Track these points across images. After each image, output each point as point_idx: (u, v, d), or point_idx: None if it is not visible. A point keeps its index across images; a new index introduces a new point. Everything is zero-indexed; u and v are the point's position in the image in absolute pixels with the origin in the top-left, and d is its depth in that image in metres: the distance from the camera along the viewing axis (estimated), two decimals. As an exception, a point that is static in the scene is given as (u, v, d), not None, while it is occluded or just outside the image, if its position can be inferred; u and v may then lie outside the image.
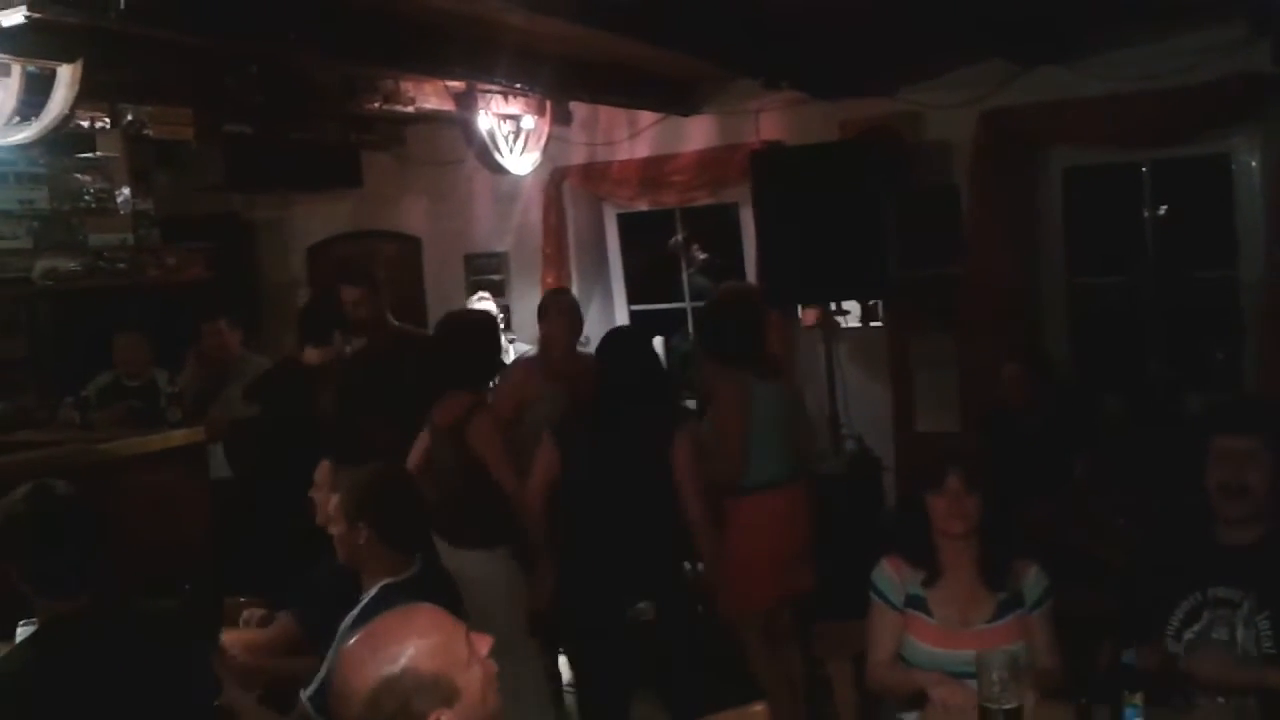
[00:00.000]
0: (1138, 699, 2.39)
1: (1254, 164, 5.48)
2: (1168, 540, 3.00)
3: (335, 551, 3.10)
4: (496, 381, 4.83)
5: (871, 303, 6.07)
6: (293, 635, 3.31)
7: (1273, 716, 2.58)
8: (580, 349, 5.06)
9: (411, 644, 1.79)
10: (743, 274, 6.67)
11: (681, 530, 3.95)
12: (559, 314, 4.92)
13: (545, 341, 4.95)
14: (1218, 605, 2.74)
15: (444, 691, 1.78)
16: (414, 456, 4.20)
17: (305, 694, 2.79)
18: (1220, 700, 2.56)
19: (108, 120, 5.39)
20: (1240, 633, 2.71)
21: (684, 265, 7.19)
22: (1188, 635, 2.76)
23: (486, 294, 6.73)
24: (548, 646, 4.57)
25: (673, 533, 3.95)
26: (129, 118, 5.43)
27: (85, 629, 2.46)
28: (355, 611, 2.82)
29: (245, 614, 3.63)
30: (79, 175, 6.53)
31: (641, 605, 3.86)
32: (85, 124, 5.32)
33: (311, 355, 5.23)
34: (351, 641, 1.84)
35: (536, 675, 4.23)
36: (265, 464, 5.17)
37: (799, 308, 6.18)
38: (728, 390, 4.37)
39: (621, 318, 7.29)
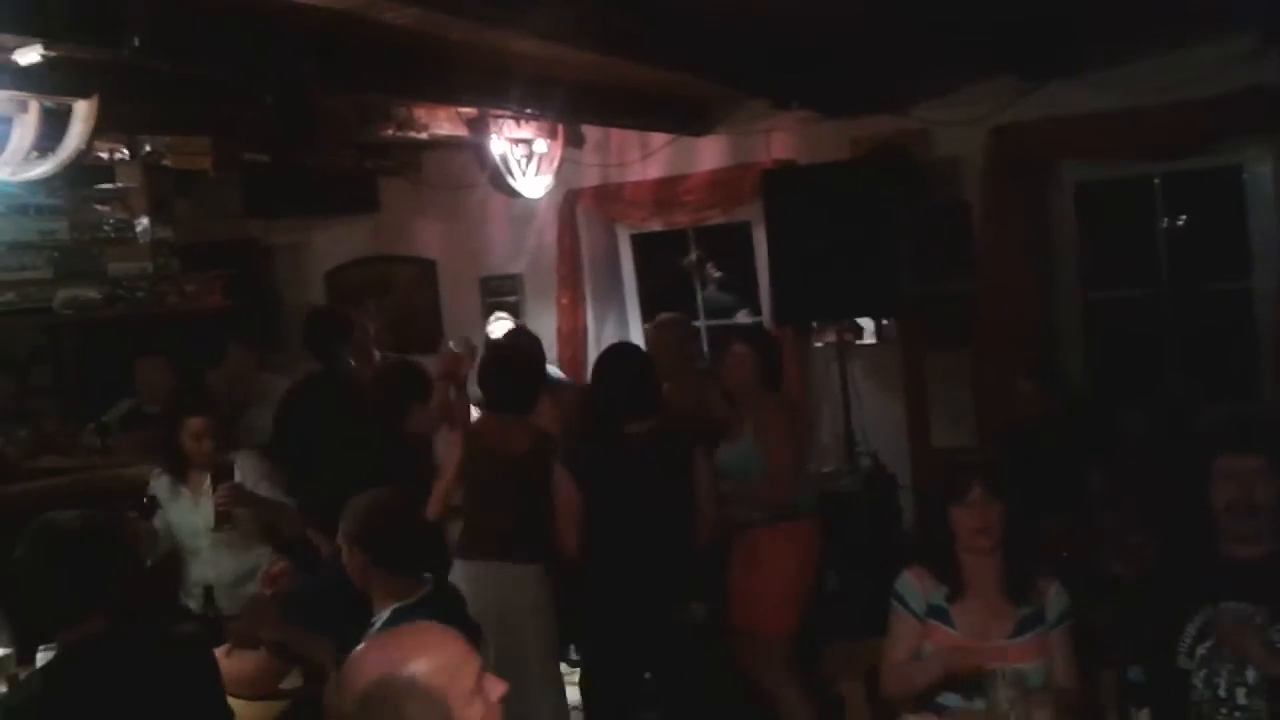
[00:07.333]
0: (1144, 715, 2.39)
1: (1267, 174, 5.45)
2: (1179, 555, 2.99)
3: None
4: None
5: (885, 320, 6.08)
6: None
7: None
8: None
9: (422, 658, 1.84)
10: (756, 292, 6.69)
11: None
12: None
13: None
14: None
15: (439, 712, 1.82)
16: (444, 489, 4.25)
17: None
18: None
19: (126, 151, 5.47)
20: (1254, 647, 2.69)
21: (698, 284, 7.21)
22: (1200, 651, 2.74)
23: (504, 314, 6.74)
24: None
25: (689, 547, 4.01)
26: (147, 148, 5.51)
27: (99, 654, 2.50)
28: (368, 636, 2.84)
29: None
30: (98, 206, 6.64)
31: (694, 605, 3.97)
32: (104, 155, 5.40)
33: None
34: (364, 644, 1.92)
35: (556, 696, 4.25)
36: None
37: (813, 326, 6.19)
38: (776, 412, 4.40)
39: (637, 337, 7.31)
